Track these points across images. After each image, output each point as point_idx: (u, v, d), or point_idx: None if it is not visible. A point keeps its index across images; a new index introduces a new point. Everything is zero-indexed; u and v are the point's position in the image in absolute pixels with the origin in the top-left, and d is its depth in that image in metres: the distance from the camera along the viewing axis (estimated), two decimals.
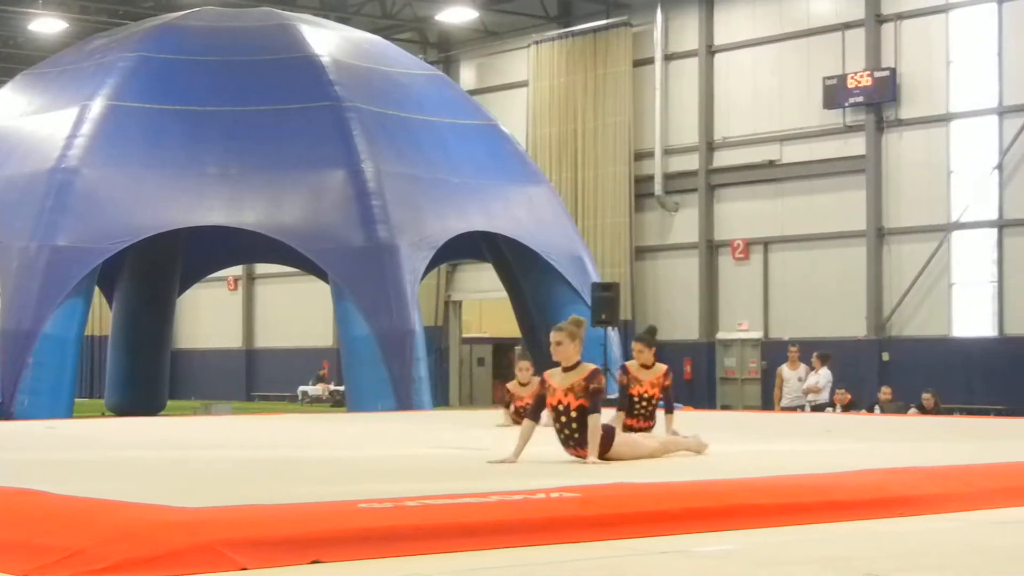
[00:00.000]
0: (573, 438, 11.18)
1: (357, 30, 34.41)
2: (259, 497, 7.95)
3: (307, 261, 28.79)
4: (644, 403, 13.87)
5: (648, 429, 13.75)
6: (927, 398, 26.89)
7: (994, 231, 32.46)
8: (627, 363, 14.28)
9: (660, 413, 13.87)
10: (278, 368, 47.62)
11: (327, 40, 30.59)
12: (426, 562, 6.46)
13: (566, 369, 11.19)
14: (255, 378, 49.05)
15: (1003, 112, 32.32)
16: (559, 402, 11.16)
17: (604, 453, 11.13)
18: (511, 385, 17.52)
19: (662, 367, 13.93)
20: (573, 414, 11.13)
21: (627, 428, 13.51)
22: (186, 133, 28.16)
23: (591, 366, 11.18)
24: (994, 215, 32.40)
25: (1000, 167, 32.15)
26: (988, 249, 32.67)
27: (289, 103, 28.63)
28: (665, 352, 36.76)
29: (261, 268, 48.03)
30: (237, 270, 48.12)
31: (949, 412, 28.36)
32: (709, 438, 12.49)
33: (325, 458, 12.50)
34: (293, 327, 47.50)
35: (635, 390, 13.89)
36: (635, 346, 14.10)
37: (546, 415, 11.45)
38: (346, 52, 30.43)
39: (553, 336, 11.31)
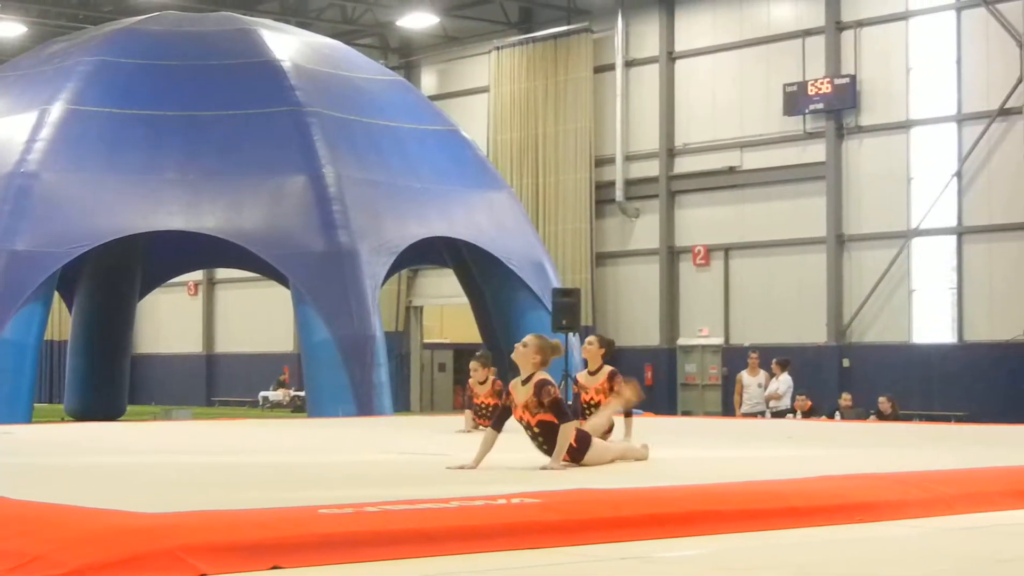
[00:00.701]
0: (543, 449, 11.20)
1: (318, 35, 34.36)
2: (219, 502, 7.93)
3: (267, 266, 28.70)
4: (592, 410, 13.85)
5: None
6: (883, 403, 27.02)
7: (953, 238, 32.62)
8: (578, 374, 14.34)
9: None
10: (239, 373, 47.48)
11: (288, 45, 30.52)
12: (386, 568, 6.45)
13: (524, 381, 11.18)
14: (215, 383, 48.89)
15: (962, 119, 32.47)
16: (520, 418, 11.19)
17: (580, 460, 11.13)
18: (471, 382, 17.53)
19: (606, 371, 13.83)
20: (536, 429, 11.15)
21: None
22: (145, 138, 28.04)
23: (538, 377, 11.14)
24: (953, 222, 32.55)
25: (959, 174, 32.30)
26: (947, 256, 32.82)
27: (249, 108, 28.54)
28: (626, 358, 37.00)
29: (222, 273, 47.88)
30: (198, 275, 47.95)
31: (908, 418, 28.46)
32: (670, 444, 12.52)
33: (285, 463, 12.46)
34: (254, 332, 47.37)
35: (584, 397, 13.95)
36: (588, 339, 14.15)
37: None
38: (307, 57, 30.36)
39: (526, 338, 11.33)
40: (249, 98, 28.75)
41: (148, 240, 30.57)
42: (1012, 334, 31.31)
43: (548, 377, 11.18)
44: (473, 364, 17.48)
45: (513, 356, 11.35)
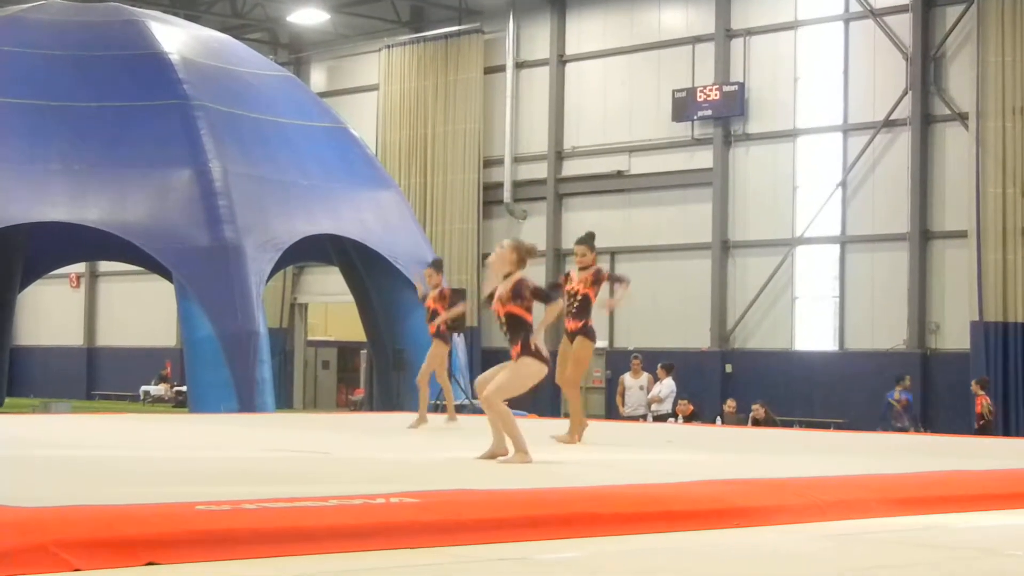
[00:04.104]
0: (507, 338, 11.85)
1: (207, 28, 34.14)
2: (94, 497, 7.83)
3: (151, 260, 28.48)
4: (571, 299, 14.60)
5: (574, 330, 14.64)
6: (756, 409, 27.29)
7: (836, 247, 32.95)
8: (570, 269, 15.20)
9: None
10: (120, 367, 47.02)
11: (176, 37, 30.29)
12: (262, 566, 6.40)
13: (505, 277, 11.83)
14: (96, 377, 48.38)
15: (848, 130, 32.82)
16: (495, 310, 11.91)
17: (520, 354, 11.70)
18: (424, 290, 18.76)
19: (592, 270, 14.70)
20: (503, 319, 11.80)
21: (564, 331, 14.76)
22: (29, 127, 27.72)
23: (517, 276, 11.80)
24: (837, 231, 32.88)
25: (844, 184, 32.64)
26: (830, 265, 33.15)
27: (136, 100, 28.30)
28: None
29: (105, 266, 47.39)
30: (80, 267, 47.46)
31: (789, 424, 28.73)
32: (552, 446, 12.56)
33: (164, 459, 12.35)
34: (136, 326, 46.93)
35: (568, 287, 14.71)
36: (578, 249, 14.92)
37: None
38: (195, 50, 30.15)
39: (504, 240, 12.08)
40: (136, 90, 28.50)
41: (30, 231, 30.22)
42: (892, 343, 31.69)
43: (527, 277, 11.79)
44: (428, 271, 18.82)
45: (490, 259, 12.02)
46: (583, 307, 14.69)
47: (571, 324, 14.72)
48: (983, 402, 26.63)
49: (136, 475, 10.49)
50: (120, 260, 36.03)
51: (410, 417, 18.92)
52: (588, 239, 14.93)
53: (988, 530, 8.57)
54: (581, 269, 14.78)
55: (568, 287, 14.72)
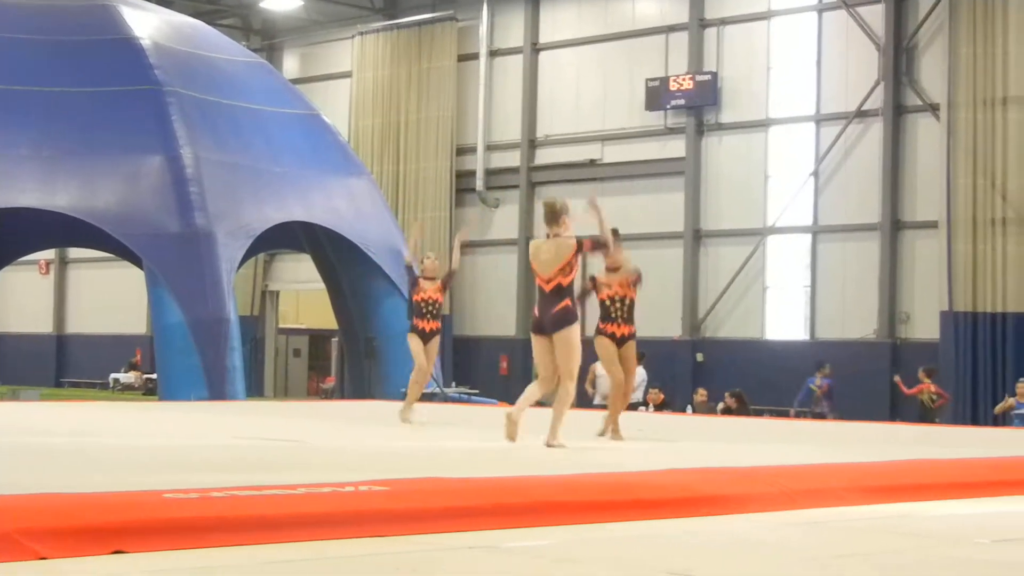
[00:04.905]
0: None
1: (179, 14, 33.99)
2: (61, 485, 7.80)
3: (122, 247, 28.38)
4: (618, 304, 14.05)
5: (630, 335, 14.21)
6: (728, 398, 27.45)
7: (808, 236, 33.00)
8: (595, 274, 14.55)
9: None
10: (90, 354, 46.85)
11: (148, 23, 30.16)
12: (231, 554, 6.39)
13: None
14: (65, 364, 48.20)
15: (820, 120, 32.85)
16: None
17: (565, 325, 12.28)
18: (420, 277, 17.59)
19: (630, 268, 14.21)
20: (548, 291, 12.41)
21: (608, 336, 14.08)
22: None
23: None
24: (809, 221, 32.93)
25: (816, 174, 32.68)
26: (802, 254, 33.20)
27: (107, 85, 28.17)
28: (482, 347, 37.09)
29: (75, 252, 47.19)
30: (50, 254, 47.27)
31: (760, 413, 28.79)
32: (522, 434, 12.56)
33: (132, 447, 12.31)
34: (106, 313, 46.74)
35: (604, 294, 14.08)
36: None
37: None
38: (167, 36, 30.03)
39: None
40: (107, 76, 28.38)
41: None
42: (862, 333, 31.76)
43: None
44: (429, 253, 17.96)
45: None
46: (631, 310, 14.25)
47: (624, 329, 14.21)
48: (926, 389, 27.08)
49: (104, 463, 10.44)
50: (90, 247, 35.89)
51: (384, 405, 18.89)
52: (614, 235, 14.47)
53: (956, 518, 8.61)
54: (610, 270, 14.30)
55: (608, 292, 14.18)
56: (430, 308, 17.25)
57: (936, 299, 30.40)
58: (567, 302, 12.55)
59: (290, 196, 29.30)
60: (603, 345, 14.23)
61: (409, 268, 17.67)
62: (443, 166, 38.73)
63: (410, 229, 17.94)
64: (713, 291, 34.10)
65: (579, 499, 8.06)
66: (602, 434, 14.35)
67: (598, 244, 12.86)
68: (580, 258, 12.71)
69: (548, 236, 12.80)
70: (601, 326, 14.16)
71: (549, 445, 12.35)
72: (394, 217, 33.50)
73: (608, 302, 14.02)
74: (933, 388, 27.31)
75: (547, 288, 12.62)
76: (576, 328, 12.38)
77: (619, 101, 35.86)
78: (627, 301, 14.14)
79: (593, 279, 14.57)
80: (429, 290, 17.27)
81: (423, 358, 17.25)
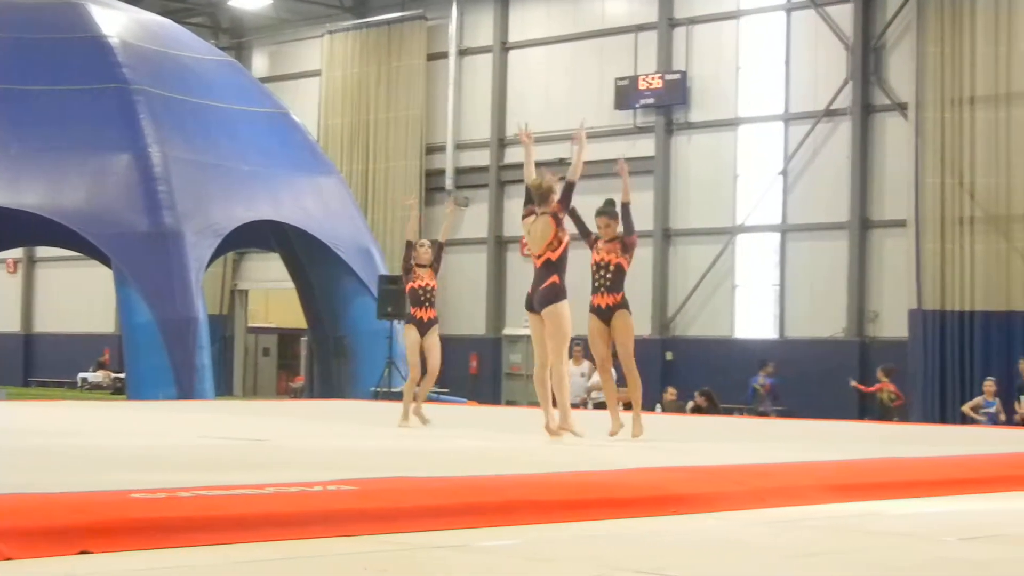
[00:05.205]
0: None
1: (148, 12, 33.88)
2: (27, 485, 7.75)
3: (89, 245, 28.28)
4: (603, 272, 13.98)
5: (614, 304, 14.09)
6: (698, 397, 27.55)
7: (777, 235, 33.07)
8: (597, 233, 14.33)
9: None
10: (58, 353, 46.66)
11: (116, 21, 30.06)
12: (198, 554, 6.35)
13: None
14: (33, 363, 48.01)
15: (788, 119, 32.93)
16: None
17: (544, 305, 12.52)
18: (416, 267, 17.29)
19: (618, 238, 14.08)
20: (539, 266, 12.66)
21: (593, 310, 14.06)
22: None
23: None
24: (778, 220, 33.00)
25: (785, 173, 32.76)
26: (771, 253, 33.27)
27: (75, 83, 28.09)
28: (451, 346, 36.76)
29: (42, 251, 47.00)
30: (17, 252, 47.07)
31: (729, 412, 28.84)
32: (493, 434, 12.54)
33: (100, 446, 12.26)
34: (74, 312, 46.58)
35: (593, 259, 14.04)
36: (599, 221, 14.35)
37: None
38: (135, 34, 29.94)
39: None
40: (75, 74, 28.29)
41: None
42: (831, 331, 31.84)
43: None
44: (422, 243, 17.51)
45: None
46: (617, 278, 13.98)
47: (607, 299, 13.99)
48: (885, 388, 27.38)
49: (71, 462, 10.40)
50: (58, 245, 35.73)
51: (353, 404, 18.82)
52: (611, 208, 14.35)
53: (922, 517, 8.62)
54: (607, 242, 14.04)
55: (595, 257, 13.91)
56: (427, 295, 17.12)
57: (905, 298, 30.49)
58: (555, 278, 12.79)
59: (259, 195, 29.25)
60: (589, 323, 14.02)
61: (409, 244, 17.54)
62: (412, 165, 38.71)
63: (411, 211, 17.81)
64: (682, 290, 34.14)
65: (550, 498, 8.05)
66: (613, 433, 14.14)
67: (564, 195, 13.17)
68: (566, 232, 12.87)
69: (537, 215, 13.03)
70: (590, 299, 14.06)
71: (561, 430, 12.85)
72: (363, 216, 33.46)
73: (593, 268, 13.96)
74: (892, 388, 27.45)
75: (538, 264, 13.05)
76: (564, 305, 12.49)
77: (588, 100, 35.85)
78: (611, 267, 13.98)
79: (595, 237, 14.29)
80: (424, 277, 17.16)
81: (416, 358, 17.03)
